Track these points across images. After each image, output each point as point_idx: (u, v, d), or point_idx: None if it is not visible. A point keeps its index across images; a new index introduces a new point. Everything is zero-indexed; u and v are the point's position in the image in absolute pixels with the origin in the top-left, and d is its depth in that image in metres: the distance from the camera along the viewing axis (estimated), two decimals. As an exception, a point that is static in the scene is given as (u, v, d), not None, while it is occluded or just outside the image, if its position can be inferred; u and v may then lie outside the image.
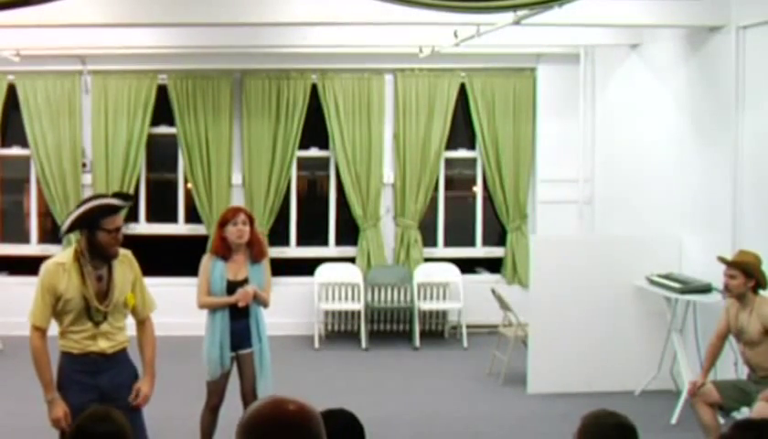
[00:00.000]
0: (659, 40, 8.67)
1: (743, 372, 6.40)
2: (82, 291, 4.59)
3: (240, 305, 5.87)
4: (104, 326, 4.66)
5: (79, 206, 4.76)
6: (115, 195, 4.92)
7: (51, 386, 4.61)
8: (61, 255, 4.76)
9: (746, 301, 6.09)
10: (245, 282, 5.94)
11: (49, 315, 4.63)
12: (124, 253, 4.78)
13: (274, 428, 2.16)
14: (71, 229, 4.68)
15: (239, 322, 5.95)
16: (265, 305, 6.06)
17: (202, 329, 6.03)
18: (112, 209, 4.63)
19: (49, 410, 4.61)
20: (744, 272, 6.09)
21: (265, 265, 6.09)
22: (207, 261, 6.01)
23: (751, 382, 6.18)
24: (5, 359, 8.68)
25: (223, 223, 5.98)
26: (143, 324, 4.93)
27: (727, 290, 6.19)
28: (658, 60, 8.75)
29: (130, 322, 4.87)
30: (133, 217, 10.34)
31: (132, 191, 10.02)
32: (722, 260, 6.24)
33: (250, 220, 6.00)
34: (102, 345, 4.67)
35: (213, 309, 5.95)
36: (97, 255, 4.63)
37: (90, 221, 4.60)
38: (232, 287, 5.92)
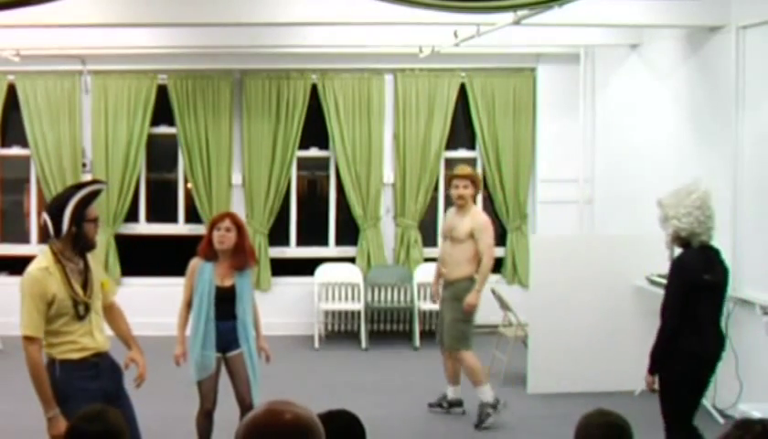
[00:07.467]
0: (659, 40, 8.67)
1: None
2: (68, 290, 4.50)
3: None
4: (94, 317, 4.59)
5: (58, 205, 4.56)
6: (79, 185, 4.83)
7: (52, 402, 4.44)
8: (39, 260, 4.54)
9: (466, 208, 7.13)
10: (232, 288, 5.87)
11: (43, 324, 4.49)
12: None
13: (272, 437, 2.13)
14: (69, 228, 4.51)
15: (225, 323, 5.87)
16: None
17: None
18: (92, 198, 4.57)
19: (50, 426, 4.44)
20: (473, 182, 7.17)
21: (249, 275, 5.99)
22: (194, 264, 5.95)
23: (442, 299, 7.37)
24: (5, 359, 8.66)
25: (212, 227, 5.94)
26: (111, 306, 4.90)
27: (461, 199, 7.10)
28: (658, 60, 8.75)
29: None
30: (133, 217, 10.35)
31: (131, 191, 10.05)
32: (455, 175, 7.17)
33: (238, 227, 5.89)
34: (99, 338, 4.61)
35: (198, 309, 5.86)
36: (79, 249, 4.57)
37: (80, 216, 4.53)
38: (220, 293, 5.86)
